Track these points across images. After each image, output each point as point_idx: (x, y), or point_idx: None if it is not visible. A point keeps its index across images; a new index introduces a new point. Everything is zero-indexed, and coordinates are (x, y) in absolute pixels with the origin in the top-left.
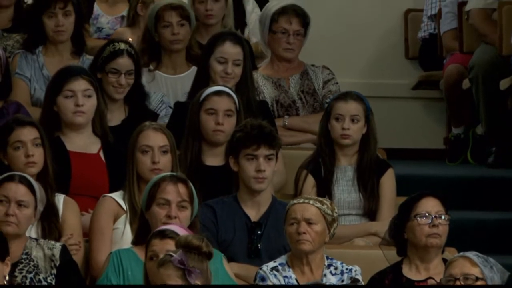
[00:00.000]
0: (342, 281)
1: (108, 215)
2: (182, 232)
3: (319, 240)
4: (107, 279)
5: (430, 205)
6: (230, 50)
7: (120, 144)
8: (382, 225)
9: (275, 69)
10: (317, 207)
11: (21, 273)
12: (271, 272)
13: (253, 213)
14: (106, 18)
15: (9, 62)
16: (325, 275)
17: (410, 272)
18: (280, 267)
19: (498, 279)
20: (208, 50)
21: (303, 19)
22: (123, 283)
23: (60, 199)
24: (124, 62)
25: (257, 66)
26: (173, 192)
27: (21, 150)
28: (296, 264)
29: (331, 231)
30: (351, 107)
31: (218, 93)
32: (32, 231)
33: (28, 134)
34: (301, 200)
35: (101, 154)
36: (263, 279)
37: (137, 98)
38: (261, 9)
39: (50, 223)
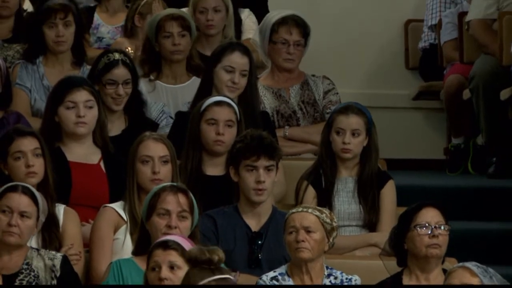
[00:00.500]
0: None
1: (109, 225)
2: (184, 243)
3: (318, 248)
4: None
5: (430, 216)
6: (239, 60)
7: (121, 154)
8: (382, 236)
9: (276, 79)
10: (316, 215)
11: (21, 283)
12: (270, 282)
13: (254, 223)
14: (106, 28)
15: (10, 72)
16: (324, 285)
17: (410, 283)
18: (280, 277)
19: None
20: (215, 59)
21: (304, 29)
22: None
23: (60, 209)
24: (120, 72)
25: (257, 76)
26: (173, 202)
27: (21, 160)
28: (296, 274)
29: (330, 240)
30: (352, 121)
31: (218, 103)
32: (33, 241)
33: (28, 144)
34: (300, 209)
35: (102, 165)
36: None
37: (136, 106)
38: (257, 18)
39: (50, 233)
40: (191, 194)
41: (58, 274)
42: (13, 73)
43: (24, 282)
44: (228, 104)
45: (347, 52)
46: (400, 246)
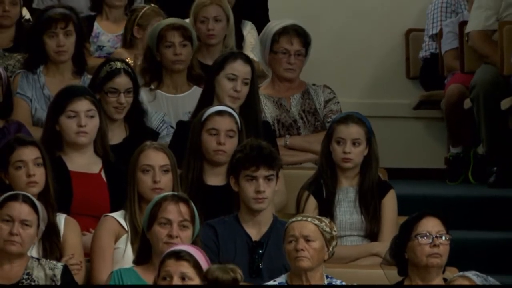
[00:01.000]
0: None
1: (109, 234)
2: (197, 254)
3: (317, 257)
4: None
5: (431, 225)
6: (241, 68)
7: (121, 163)
8: (383, 246)
9: (276, 88)
10: (315, 224)
11: None
12: None
13: (254, 233)
14: (107, 36)
15: (11, 81)
16: (324, 285)
17: None
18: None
19: None
20: (217, 67)
21: (304, 39)
22: None
23: (61, 219)
24: (122, 81)
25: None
26: (175, 212)
27: (22, 170)
28: (296, 283)
29: (330, 249)
30: (353, 131)
31: (220, 113)
32: (33, 251)
33: (29, 154)
34: (299, 218)
35: (103, 174)
36: None
37: (136, 116)
38: (258, 28)
39: (51, 243)
40: (192, 204)
41: (58, 284)
42: (14, 83)
43: None
44: (229, 114)
45: (348, 61)
46: (401, 255)
